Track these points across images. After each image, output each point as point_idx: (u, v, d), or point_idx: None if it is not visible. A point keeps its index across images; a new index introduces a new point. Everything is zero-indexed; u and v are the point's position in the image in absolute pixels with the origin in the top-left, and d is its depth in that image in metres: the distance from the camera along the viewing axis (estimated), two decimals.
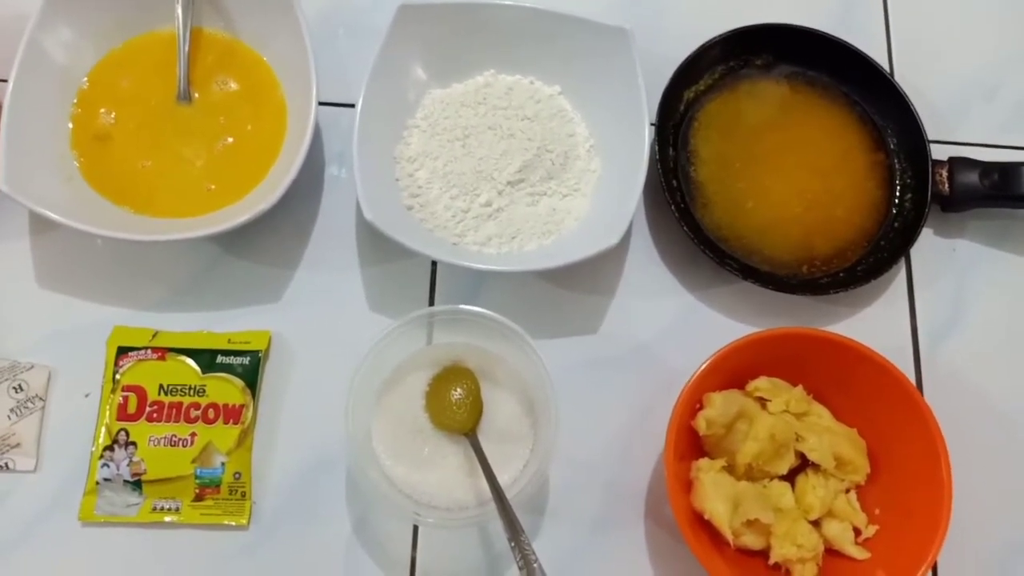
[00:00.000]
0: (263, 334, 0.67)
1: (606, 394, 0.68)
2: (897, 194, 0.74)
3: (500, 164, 0.68)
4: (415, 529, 0.65)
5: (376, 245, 0.71)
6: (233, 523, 0.63)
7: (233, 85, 0.71)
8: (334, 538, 0.64)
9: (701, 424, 0.61)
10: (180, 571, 0.62)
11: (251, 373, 0.65)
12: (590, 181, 0.70)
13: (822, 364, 0.64)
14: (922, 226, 0.71)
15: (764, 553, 0.62)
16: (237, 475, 0.63)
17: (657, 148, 0.70)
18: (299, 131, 0.66)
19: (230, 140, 0.69)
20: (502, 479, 0.60)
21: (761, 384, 0.64)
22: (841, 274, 0.71)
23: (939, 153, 0.74)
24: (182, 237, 0.63)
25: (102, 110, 0.69)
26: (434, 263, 0.71)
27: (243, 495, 0.63)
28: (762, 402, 0.64)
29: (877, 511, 0.64)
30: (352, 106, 0.66)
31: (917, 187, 0.73)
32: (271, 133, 0.69)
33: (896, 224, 0.73)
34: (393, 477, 0.61)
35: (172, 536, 0.63)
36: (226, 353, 0.65)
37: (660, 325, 0.70)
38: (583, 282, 0.71)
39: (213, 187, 0.67)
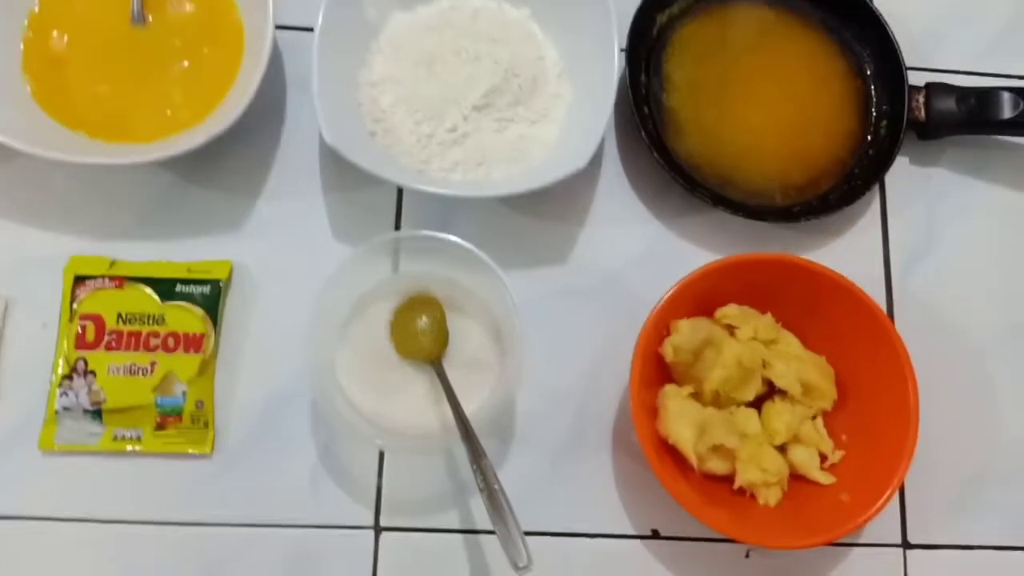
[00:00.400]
0: (224, 263, 0.65)
1: (575, 323, 0.67)
2: (872, 122, 0.73)
3: (466, 88, 0.66)
4: (381, 458, 0.64)
5: (340, 173, 0.69)
6: (196, 452, 0.62)
7: (188, 7, 0.68)
8: (300, 467, 0.63)
9: (668, 351, 0.61)
10: (143, 500, 0.62)
11: (212, 302, 0.64)
12: (559, 107, 0.68)
13: (792, 291, 0.64)
14: (896, 153, 0.70)
15: (730, 478, 0.62)
16: (199, 404, 0.62)
17: (628, 74, 0.68)
18: (256, 54, 0.64)
19: (186, 64, 0.67)
20: (468, 407, 0.59)
21: (730, 311, 0.63)
22: (814, 202, 0.70)
23: (916, 80, 0.73)
24: (139, 160, 0.62)
25: (54, 33, 0.67)
26: (400, 192, 0.69)
27: (206, 424, 0.62)
28: (731, 329, 0.64)
29: (844, 437, 0.64)
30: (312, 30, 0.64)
31: (893, 114, 0.72)
32: (228, 56, 0.66)
33: (871, 152, 0.72)
34: (360, 407, 0.61)
35: (135, 465, 0.62)
36: (186, 282, 0.64)
37: (630, 255, 0.69)
38: (552, 211, 0.69)
39: (169, 112, 0.65)
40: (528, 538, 0.52)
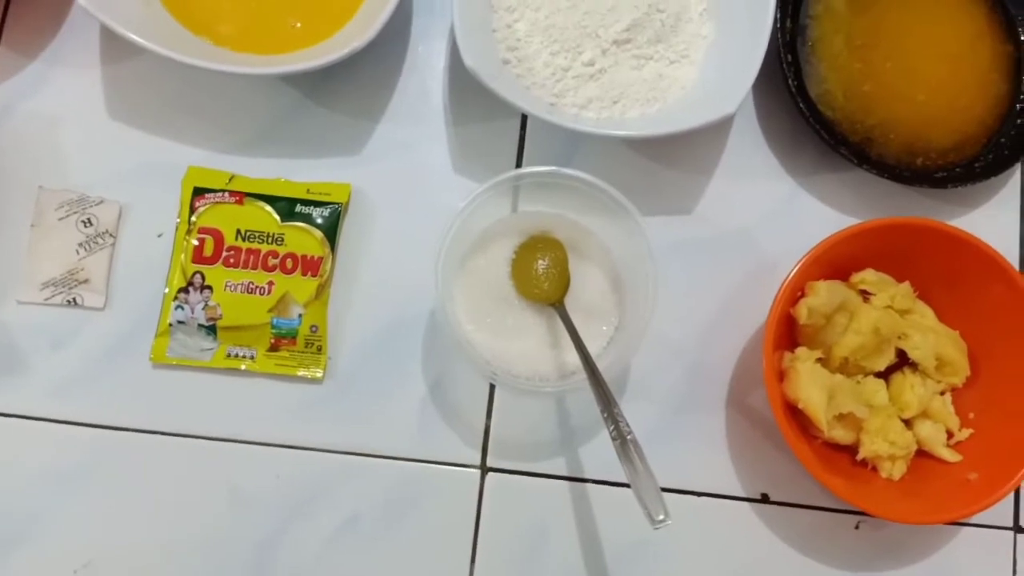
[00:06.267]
0: (344, 186, 0.63)
1: (695, 277, 0.65)
2: (1023, 89, 0.69)
3: (607, 20, 0.63)
4: (491, 397, 0.63)
5: (464, 102, 0.66)
6: (308, 376, 0.61)
7: None
8: (409, 400, 0.62)
9: (803, 312, 0.58)
10: (251, 420, 0.61)
11: (331, 225, 0.62)
12: (700, 48, 0.65)
13: (931, 260, 0.61)
14: None
15: (851, 448, 0.60)
16: (314, 328, 0.61)
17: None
18: None
19: None
20: None
21: (868, 276, 0.60)
22: (958, 169, 0.66)
23: None
24: (265, 72, 0.60)
25: None
26: (523, 126, 0.66)
27: (319, 349, 0.61)
28: (865, 295, 0.61)
29: (971, 415, 0.61)
30: None
31: None
32: None
33: (1020, 121, 0.68)
34: (474, 343, 0.59)
35: (244, 384, 0.62)
36: (305, 203, 0.62)
37: (758, 210, 0.66)
38: (681, 159, 0.67)
39: (299, 25, 0.63)
40: None
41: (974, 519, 0.64)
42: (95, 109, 0.65)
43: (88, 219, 0.63)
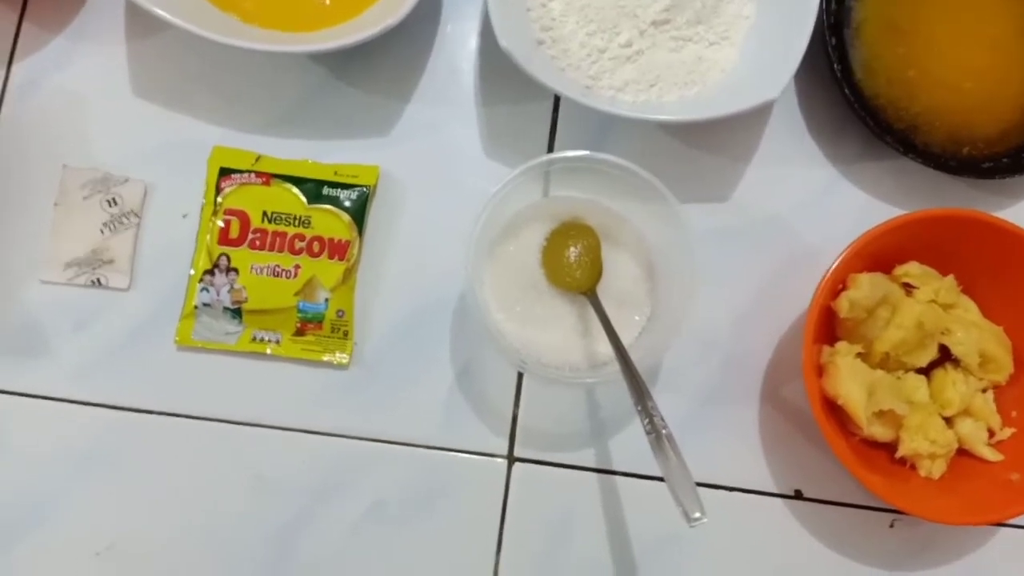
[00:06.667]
0: (372, 168, 0.62)
1: (731, 266, 0.63)
2: None
3: (644, 1, 0.61)
4: (519, 386, 0.62)
5: (495, 83, 0.65)
6: (333, 361, 0.60)
7: None
8: (436, 387, 0.61)
9: (844, 305, 0.57)
10: (276, 404, 0.60)
11: (359, 208, 0.61)
12: (741, 29, 0.63)
13: (977, 253, 0.59)
14: None
15: (890, 446, 0.58)
16: (340, 313, 0.60)
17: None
18: None
19: None
20: None
21: (912, 270, 0.59)
22: (1005, 159, 0.64)
23: None
24: (294, 49, 0.58)
25: None
26: (555, 109, 0.65)
27: (345, 334, 0.60)
28: (908, 289, 0.59)
29: (1014, 414, 0.60)
30: None
31: None
32: None
33: None
34: (504, 332, 0.58)
35: (270, 368, 0.61)
36: (333, 185, 0.61)
37: (797, 198, 0.64)
38: (719, 144, 0.65)
39: (328, 2, 0.61)
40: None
41: (1014, 520, 0.62)
42: (120, 86, 0.64)
43: (113, 198, 0.62)
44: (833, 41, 0.63)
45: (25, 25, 0.64)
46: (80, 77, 0.64)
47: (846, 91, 0.61)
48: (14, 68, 0.64)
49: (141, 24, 0.64)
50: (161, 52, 0.64)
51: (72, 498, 0.59)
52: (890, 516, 0.61)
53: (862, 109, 0.61)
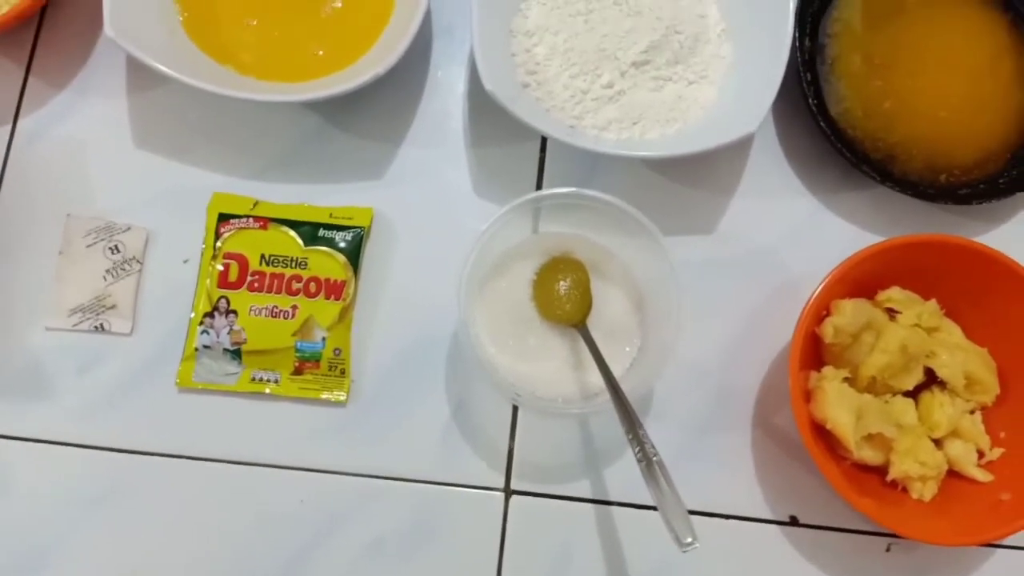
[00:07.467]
0: (366, 210, 0.64)
1: (718, 297, 0.65)
2: None
3: (625, 43, 0.63)
4: (514, 420, 0.63)
5: (484, 125, 0.67)
6: (331, 399, 0.61)
7: None
8: (432, 423, 0.62)
9: (828, 331, 0.58)
10: (276, 443, 0.62)
11: (354, 249, 0.62)
12: (719, 68, 0.65)
13: (958, 277, 0.60)
14: None
15: (880, 469, 0.59)
16: (337, 351, 0.61)
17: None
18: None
19: (339, 3, 0.65)
20: None
21: (894, 295, 0.60)
22: (982, 185, 0.66)
23: None
24: (289, 99, 0.61)
25: None
26: (543, 149, 0.67)
27: (342, 372, 0.61)
28: (891, 314, 0.60)
29: (1002, 434, 0.60)
30: None
31: None
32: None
33: None
34: (497, 366, 0.59)
35: (269, 408, 0.62)
36: (328, 227, 0.63)
37: (781, 228, 0.66)
38: (702, 178, 0.67)
39: (321, 52, 0.64)
40: None
41: (1008, 540, 0.62)
42: (122, 137, 0.66)
43: (115, 246, 0.63)
44: (808, 77, 0.65)
45: (31, 80, 0.67)
46: (84, 129, 0.66)
47: (821, 124, 0.63)
48: (20, 121, 0.66)
49: (142, 78, 0.67)
50: (162, 104, 0.66)
51: (76, 540, 0.60)
52: (886, 540, 0.62)
53: (839, 141, 0.63)
